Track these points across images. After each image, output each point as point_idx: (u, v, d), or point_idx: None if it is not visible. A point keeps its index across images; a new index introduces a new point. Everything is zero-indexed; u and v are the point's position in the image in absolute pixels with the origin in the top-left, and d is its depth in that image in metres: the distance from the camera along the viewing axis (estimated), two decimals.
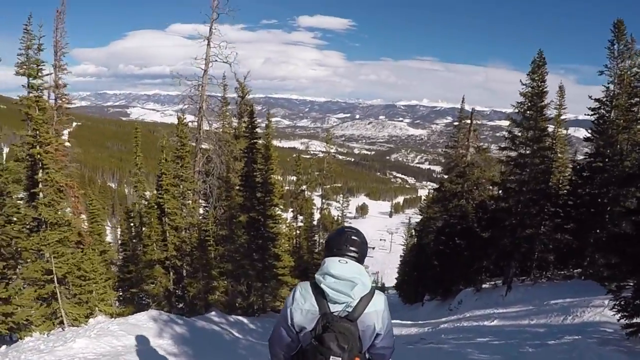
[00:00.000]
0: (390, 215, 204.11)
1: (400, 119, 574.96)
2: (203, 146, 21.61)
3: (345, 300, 2.74)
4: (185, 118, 18.95)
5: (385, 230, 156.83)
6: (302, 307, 2.83)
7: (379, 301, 2.87)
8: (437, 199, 30.60)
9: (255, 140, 19.54)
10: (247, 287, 19.62)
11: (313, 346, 2.76)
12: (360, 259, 2.95)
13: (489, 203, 23.67)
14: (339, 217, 47.21)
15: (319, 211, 40.03)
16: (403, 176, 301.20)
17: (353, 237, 2.97)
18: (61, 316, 13.16)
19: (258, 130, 20.12)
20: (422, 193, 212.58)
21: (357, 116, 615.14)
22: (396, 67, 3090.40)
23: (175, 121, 19.30)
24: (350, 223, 61.97)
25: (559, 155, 20.72)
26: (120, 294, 19.30)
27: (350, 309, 2.75)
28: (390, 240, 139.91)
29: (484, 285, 21.50)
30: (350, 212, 49.34)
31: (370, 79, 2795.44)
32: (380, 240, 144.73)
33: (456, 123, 28.57)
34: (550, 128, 19.62)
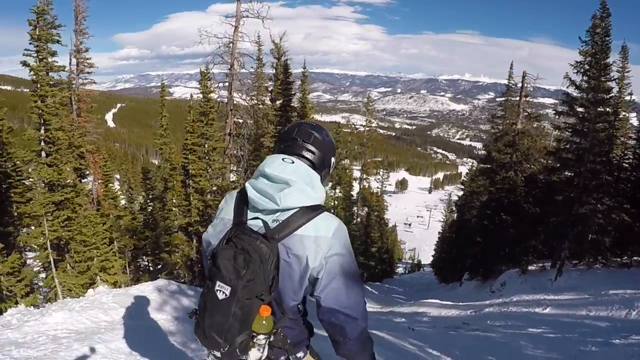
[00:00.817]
0: (430, 191, 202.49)
1: (442, 93, 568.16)
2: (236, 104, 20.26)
3: (269, 207, 1.91)
4: (209, 73, 17.41)
5: (424, 206, 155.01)
6: (218, 217, 2.16)
7: (327, 226, 1.95)
8: (483, 171, 28.52)
9: (289, 97, 18.03)
10: None
11: (207, 267, 2.05)
12: (316, 163, 2.11)
13: (540, 176, 21.75)
14: (379, 190, 45.83)
15: (358, 183, 38.73)
16: (443, 152, 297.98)
17: (310, 131, 2.14)
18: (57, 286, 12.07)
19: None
20: (463, 169, 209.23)
21: (399, 90, 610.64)
22: (437, 40, 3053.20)
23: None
24: (390, 196, 60.74)
25: (623, 122, 18.50)
26: (135, 262, 18.23)
27: (276, 224, 1.90)
28: (429, 216, 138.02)
29: (530, 267, 19.53)
30: (390, 186, 47.96)
31: (411, 53, 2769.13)
32: (418, 217, 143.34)
33: (504, 92, 26.20)
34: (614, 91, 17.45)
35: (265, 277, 1.83)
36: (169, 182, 17.25)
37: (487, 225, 23.55)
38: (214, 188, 16.13)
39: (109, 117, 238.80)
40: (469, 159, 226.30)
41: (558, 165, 18.39)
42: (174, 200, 15.58)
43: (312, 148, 2.10)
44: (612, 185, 16.83)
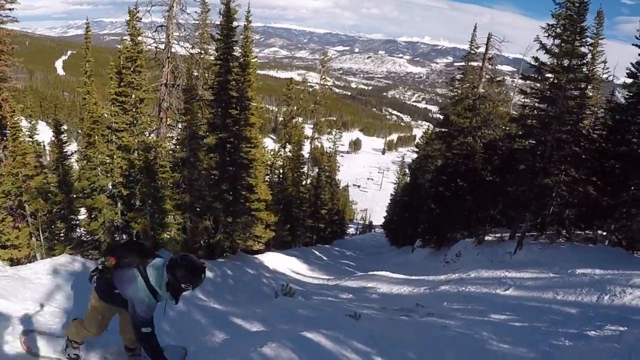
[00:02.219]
0: (383, 152, 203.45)
1: (400, 55, 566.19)
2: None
3: None
4: (137, 11, 14.90)
5: (377, 167, 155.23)
6: None
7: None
8: (439, 134, 27.20)
9: (230, 44, 16.00)
10: (214, 223, 16.46)
11: None
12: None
13: (501, 143, 20.62)
14: (331, 150, 44.31)
15: (310, 142, 37.05)
16: (399, 114, 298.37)
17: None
18: None
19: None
20: (417, 132, 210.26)
21: (357, 50, 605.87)
22: (400, 1, 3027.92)
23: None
24: (342, 157, 59.56)
25: (595, 91, 17.26)
26: (50, 230, 15.69)
27: None
28: (382, 177, 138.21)
29: (486, 238, 18.59)
30: (343, 146, 46.53)
31: (372, 13, 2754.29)
32: (368, 179, 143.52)
33: (465, 55, 24.49)
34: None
35: None
36: (91, 138, 15.01)
37: (442, 191, 22.38)
38: (140, 146, 14.22)
39: (58, 64, 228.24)
40: (424, 122, 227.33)
41: (522, 132, 17.12)
42: (97, 159, 13.54)
43: None
44: (580, 156, 15.66)
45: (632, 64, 14.82)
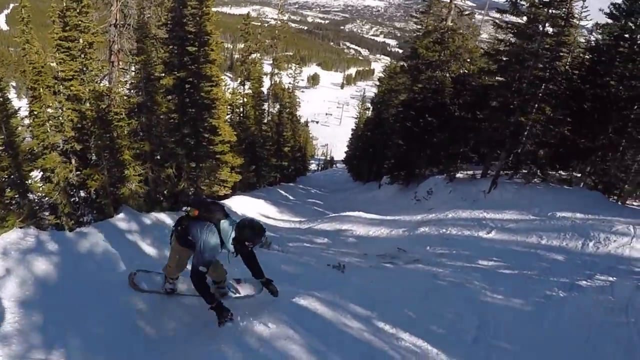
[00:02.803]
0: (342, 86, 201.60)
1: None
2: None
3: None
4: None
5: (336, 102, 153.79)
6: None
7: None
8: (405, 68, 26.24)
9: None
10: (177, 171, 15.28)
11: None
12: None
13: (470, 78, 19.93)
14: (291, 86, 42.99)
15: (270, 78, 35.64)
16: (357, 47, 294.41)
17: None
18: None
19: None
20: (376, 66, 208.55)
21: None
22: None
23: None
24: (303, 92, 58.15)
25: (575, 29, 16.43)
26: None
27: None
28: (342, 112, 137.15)
29: (458, 175, 18.13)
30: (302, 81, 45.22)
31: None
32: (327, 114, 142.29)
33: None
34: None
35: None
36: (36, 91, 13.26)
37: (410, 126, 21.62)
38: (92, 95, 12.82)
39: (1, 18, 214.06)
40: (382, 56, 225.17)
41: (496, 67, 16.35)
42: (44, 114, 12.04)
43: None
44: (557, 95, 15.09)
45: (612, 4, 14.18)
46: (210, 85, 15.36)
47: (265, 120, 31.58)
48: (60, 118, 12.20)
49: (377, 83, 44.44)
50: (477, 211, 12.85)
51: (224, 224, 4.94)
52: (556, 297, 6.38)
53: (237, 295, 6.03)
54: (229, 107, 24.62)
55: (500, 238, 10.41)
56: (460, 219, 12.44)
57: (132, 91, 14.22)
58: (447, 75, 21.49)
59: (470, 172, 17.79)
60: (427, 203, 17.00)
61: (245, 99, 27.97)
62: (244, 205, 17.13)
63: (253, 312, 4.95)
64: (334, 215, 16.52)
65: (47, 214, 12.19)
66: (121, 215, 9.54)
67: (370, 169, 35.91)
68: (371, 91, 58.07)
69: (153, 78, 13.69)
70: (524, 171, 15.52)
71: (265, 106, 32.12)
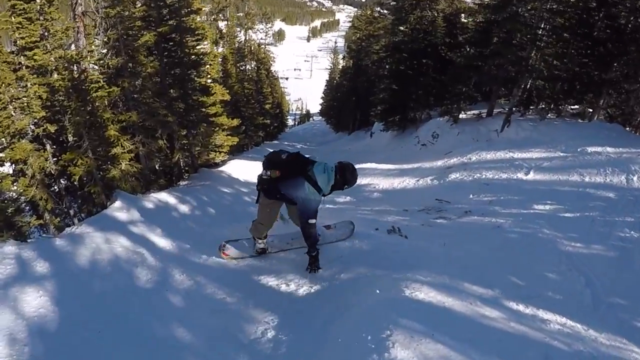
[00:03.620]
0: (308, 39, 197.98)
1: None
2: None
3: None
4: None
5: (304, 56, 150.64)
6: None
7: None
8: (391, 10, 24.60)
9: None
10: (169, 142, 13.42)
11: None
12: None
13: (463, 15, 18.73)
14: (263, 41, 41.17)
15: (244, 34, 33.89)
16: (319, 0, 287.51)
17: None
18: None
19: None
20: (340, 16, 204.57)
21: None
22: None
23: None
24: (275, 47, 56.30)
25: None
26: None
27: None
28: (311, 64, 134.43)
29: (461, 116, 17.00)
30: (268, 37, 43.34)
31: None
32: (295, 69, 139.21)
33: None
34: None
35: None
36: None
37: (403, 70, 20.26)
38: (60, 64, 10.82)
39: None
40: (345, 6, 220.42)
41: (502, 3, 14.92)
42: (5, 94, 9.98)
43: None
44: (569, 28, 13.90)
45: None
46: (196, 39, 13.63)
47: (246, 77, 29.93)
48: (25, 97, 9.94)
49: (345, 32, 43.09)
50: (501, 152, 11.69)
51: (316, 172, 4.89)
52: (631, 238, 5.86)
53: (330, 241, 5.90)
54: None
55: (542, 178, 9.31)
56: (488, 162, 11.26)
57: (108, 54, 11.79)
58: (438, 14, 20.03)
59: (475, 112, 16.60)
60: (435, 147, 15.85)
61: (226, 56, 25.66)
62: (243, 171, 15.65)
63: (376, 326, 3.47)
64: None
65: (27, 215, 10.38)
66: (117, 203, 7.91)
67: (354, 118, 34.62)
68: (340, 42, 56.36)
69: (132, 35, 11.62)
70: (539, 107, 14.42)
71: (245, 63, 30.48)
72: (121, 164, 10.56)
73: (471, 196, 8.89)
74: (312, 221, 4.93)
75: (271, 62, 43.60)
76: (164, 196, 9.27)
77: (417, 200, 9.29)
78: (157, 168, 12.94)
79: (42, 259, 5.08)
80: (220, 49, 27.25)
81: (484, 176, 9.95)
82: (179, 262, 5.88)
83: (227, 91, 17.15)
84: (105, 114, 10.54)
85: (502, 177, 9.77)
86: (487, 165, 10.73)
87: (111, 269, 5.43)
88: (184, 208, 8.90)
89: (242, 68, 29.06)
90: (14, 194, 9.92)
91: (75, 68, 10.88)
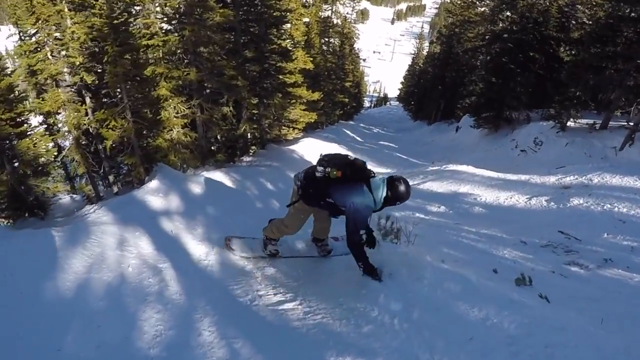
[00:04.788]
0: (392, 22, 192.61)
1: None
2: None
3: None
4: None
5: (387, 38, 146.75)
6: None
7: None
8: None
9: None
10: (235, 110, 11.39)
11: None
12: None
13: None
14: (349, 16, 38.85)
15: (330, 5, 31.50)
16: None
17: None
18: None
19: None
20: (427, 1, 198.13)
21: None
22: None
23: None
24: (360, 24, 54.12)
25: None
26: None
27: None
28: (393, 47, 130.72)
29: (569, 124, 14.55)
30: (353, 15, 40.82)
31: None
32: (375, 52, 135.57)
33: None
34: None
35: None
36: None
37: (505, 62, 17.91)
38: None
39: None
40: None
41: None
42: (45, 34, 8.44)
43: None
44: None
45: None
46: None
47: (329, 51, 28.00)
48: (63, 36, 8.39)
49: (431, 19, 40.35)
50: (629, 177, 9.32)
51: (375, 181, 4.32)
52: None
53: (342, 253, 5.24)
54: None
55: None
56: (615, 188, 8.90)
57: None
58: (552, 3, 17.50)
59: (587, 122, 14.18)
60: (538, 156, 13.72)
61: (310, 22, 22.77)
62: (317, 152, 14.07)
63: None
64: (434, 168, 12.76)
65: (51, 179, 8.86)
66: (154, 182, 6.39)
67: (437, 108, 32.28)
68: (425, 27, 53.74)
69: None
70: None
71: (327, 38, 28.52)
72: (172, 130, 8.93)
73: (605, 235, 6.83)
74: (363, 232, 4.45)
75: (355, 38, 41.39)
76: (219, 176, 7.67)
77: (534, 227, 7.30)
78: (218, 138, 11.34)
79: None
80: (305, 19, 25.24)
81: (616, 209, 7.79)
82: (216, 297, 4.35)
83: (311, 59, 15.32)
84: (157, 67, 8.74)
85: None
86: (616, 194, 8.48)
87: (105, 304, 3.91)
88: (239, 196, 7.30)
89: (325, 39, 27.07)
90: (43, 153, 8.39)
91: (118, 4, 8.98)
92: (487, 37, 22.46)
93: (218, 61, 9.99)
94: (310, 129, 20.81)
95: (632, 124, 12.20)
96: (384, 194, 4.23)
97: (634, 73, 12.07)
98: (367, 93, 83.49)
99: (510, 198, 9.17)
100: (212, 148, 10.64)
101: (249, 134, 12.31)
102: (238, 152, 12.02)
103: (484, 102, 19.20)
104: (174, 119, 8.97)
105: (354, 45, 43.04)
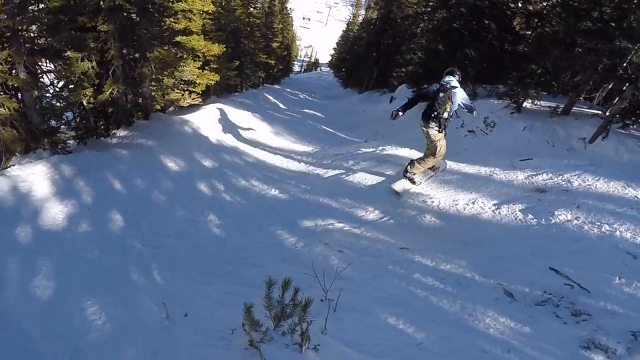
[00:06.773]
0: None
1: None
2: None
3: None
4: None
5: (323, 4, 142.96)
6: None
7: None
8: None
9: None
10: (102, 66, 7.79)
11: None
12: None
13: None
14: None
15: None
16: None
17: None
18: None
19: None
20: None
21: None
22: None
23: None
24: None
25: None
26: None
27: None
28: (328, 14, 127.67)
29: (526, 104, 12.32)
30: None
31: None
32: (318, 12, 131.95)
33: None
34: None
35: None
36: None
37: (456, 28, 15.53)
38: None
39: None
40: None
41: None
42: None
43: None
44: None
45: None
46: None
47: (256, 6, 24.83)
48: None
49: None
50: (615, 182, 6.95)
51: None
52: None
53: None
54: None
55: None
56: (604, 197, 6.37)
57: None
58: None
59: (551, 105, 12.04)
60: (489, 139, 11.43)
61: None
62: (220, 121, 10.99)
63: None
64: (368, 150, 10.10)
65: None
66: None
67: (370, 77, 30.01)
68: None
69: None
70: None
71: None
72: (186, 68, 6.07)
73: (617, 280, 4.54)
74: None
75: None
76: (37, 173, 4.86)
77: (514, 259, 4.84)
78: (84, 106, 8.07)
79: None
80: None
81: (617, 232, 5.23)
82: None
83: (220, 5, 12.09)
84: None
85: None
86: (609, 207, 5.95)
87: None
88: (55, 211, 4.59)
89: None
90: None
91: None
92: (431, 2, 20.27)
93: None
94: (225, 93, 17.97)
95: (606, 113, 10.15)
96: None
97: (608, 56, 9.96)
98: (298, 57, 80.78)
99: (473, 203, 6.56)
100: (45, 127, 7.21)
101: (126, 100, 9.12)
102: (110, 127, 8.87)
103: (424, 72, 16.86)
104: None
105: (287, 4, 40.10)
